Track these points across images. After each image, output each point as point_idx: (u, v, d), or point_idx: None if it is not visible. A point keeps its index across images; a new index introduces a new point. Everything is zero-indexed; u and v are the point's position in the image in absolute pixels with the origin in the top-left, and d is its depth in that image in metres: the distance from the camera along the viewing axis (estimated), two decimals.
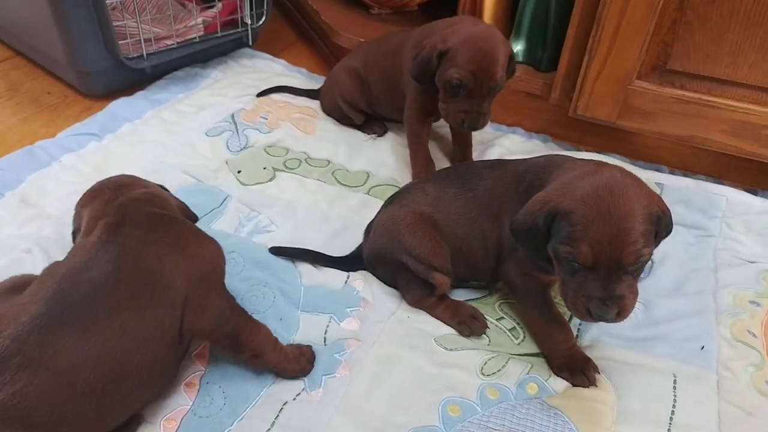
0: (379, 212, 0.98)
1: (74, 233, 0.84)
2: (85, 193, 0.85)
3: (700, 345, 0.89)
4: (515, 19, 1.37)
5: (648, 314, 0.94)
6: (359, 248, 1.01)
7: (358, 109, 1.34)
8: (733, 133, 1.15)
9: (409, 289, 0.92)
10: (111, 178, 0.86)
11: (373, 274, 0.98)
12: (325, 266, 0.99)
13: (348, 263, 1.00)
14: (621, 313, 0.72)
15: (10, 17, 1.54)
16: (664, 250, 1.07)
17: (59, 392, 0.65)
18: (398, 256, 0.90)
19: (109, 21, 1.32)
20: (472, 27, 1.04)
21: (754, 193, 1.22)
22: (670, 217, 0.77)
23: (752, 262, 1.05)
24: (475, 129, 1.08)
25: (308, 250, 1.00)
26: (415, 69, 1.09)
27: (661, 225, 0.74)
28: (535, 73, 1.36)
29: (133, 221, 0.74)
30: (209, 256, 0.79)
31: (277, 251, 1.00)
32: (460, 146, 1.27)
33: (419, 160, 1.21)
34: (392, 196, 1.00)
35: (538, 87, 1.34)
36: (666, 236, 0.78)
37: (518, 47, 1.37)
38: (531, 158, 0.90)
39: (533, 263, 0.82)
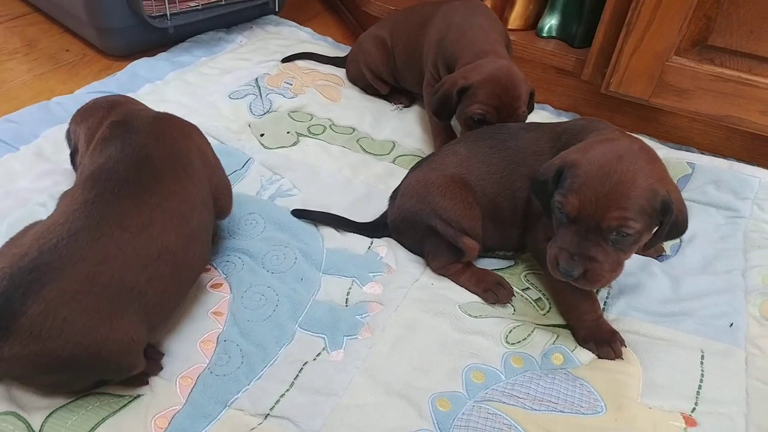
0: (407, 176, 0.96)
1: (72, 155, 0.83)
2: (78, 111, 0.85)
3: (729, 322, 0.87)
4: None
5: (676, 290, 0.92)
6: (384, 215, 0.99)
7: (382, 80, 1.32)
8: None
9: (435, 255, 0.90)
10: (104, 96, 0.88)
11: (398, 241, 0.97)
12: (348, 231, 0.98)
13: (372, 229, 0.98)
14: (588, 277, 0.73)
15: None
16: (692, 229, 1.04)
17: (139, 254, 0.67)
18: (427, 220, 0.88)
19: None
20: (493, 64, 1.01)
21: None
22: (684, 216, 0.75)
23: None
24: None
25: (331, 214, 0.99)
26: (434, 104, 1.06)
27: (666, 214, 0.72)
28: (568, 48, 1.33)
29: (137, 118, 0.78)
30: (205, 140, 0.86)
31: (299, 214, 0.99)
32: None
33: (440, 135, 1.18)
34: (421, 160, 0.98)
35: (570, 63, 1.30)
36: (674, 235, 0.76)
37: (552, 22, 1.34)
38: (572, 120, 0.88)
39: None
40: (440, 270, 0.91)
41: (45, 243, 0.63)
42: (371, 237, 0.97)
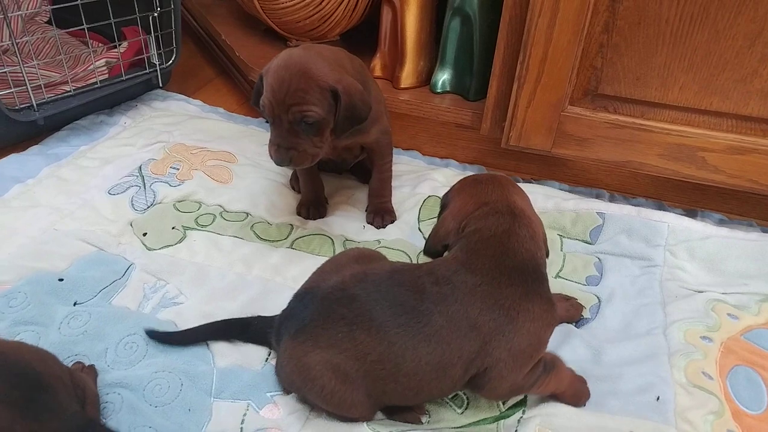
0: (288, 340, 0.75)
1: None
2: None
3: (655, 395, 0.82)
4: (439, 47, 1.30)
5: (598, 364, 0.87)
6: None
7: None
8: (669, 156, 1.10)
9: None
10: None
11: None
12: (241, 337, 0.87)
13: (268, 323, 0.86)
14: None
15: None
16: (610, 285, 1.01)
17: None
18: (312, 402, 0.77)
19: None
20: (292, 51, 0.92)
21: (694, 214, 1.17)
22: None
23: (699, 292, 0.99)
24: (283, 165, 0.93)
25: (218, 322, 0.88)
26: (253, 95, 0.98)
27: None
28: (464, 102, 1.29)
29: None
30: None
31: (183, 338, 0.87)
32: (375, 174, 1.12)
33: (308, 185, 1.13)
34: (298, 316, 0.75)
35: (468, 117, 1.26)
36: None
37: (445, 77, 1.30)
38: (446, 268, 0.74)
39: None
40: None
41: None
42: (266, 331, 0.84)
